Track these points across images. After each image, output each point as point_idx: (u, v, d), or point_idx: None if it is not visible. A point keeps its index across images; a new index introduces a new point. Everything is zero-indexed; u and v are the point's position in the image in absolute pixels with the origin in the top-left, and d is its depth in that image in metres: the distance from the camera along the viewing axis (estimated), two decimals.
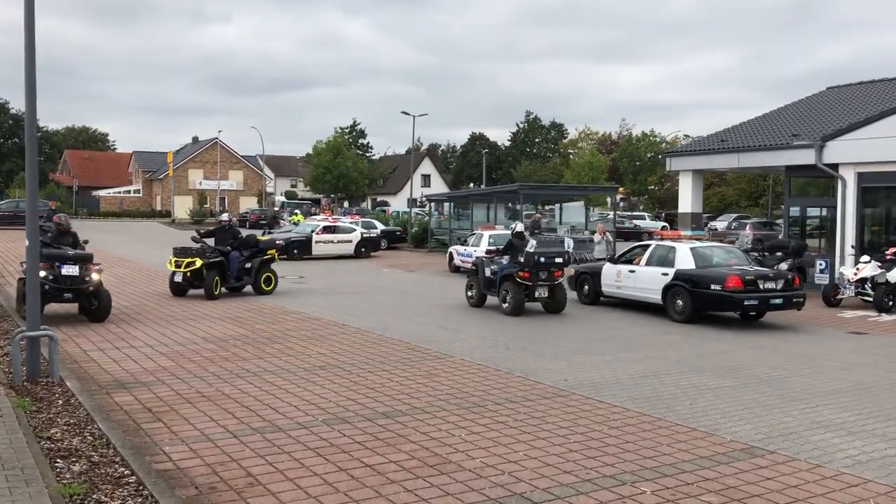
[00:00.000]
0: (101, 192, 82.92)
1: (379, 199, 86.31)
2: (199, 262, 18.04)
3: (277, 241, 31.40)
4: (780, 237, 24.43)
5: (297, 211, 52.69)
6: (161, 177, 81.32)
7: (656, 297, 16.96)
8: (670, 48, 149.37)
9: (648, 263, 17.59)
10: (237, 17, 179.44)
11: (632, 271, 17.96)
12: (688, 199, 25.18)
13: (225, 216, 20.29)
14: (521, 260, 16.50)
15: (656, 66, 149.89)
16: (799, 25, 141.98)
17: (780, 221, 51.70)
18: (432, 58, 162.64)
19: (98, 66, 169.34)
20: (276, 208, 61.80)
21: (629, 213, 56.92)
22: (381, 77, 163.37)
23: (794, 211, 23.25)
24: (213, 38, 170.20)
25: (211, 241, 19.33)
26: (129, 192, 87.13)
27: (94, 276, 14.27)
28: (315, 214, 50.53)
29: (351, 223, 37.48)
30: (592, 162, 64.49)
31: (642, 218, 56.71)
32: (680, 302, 16.28)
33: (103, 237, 38.79)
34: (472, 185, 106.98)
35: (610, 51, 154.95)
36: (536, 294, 16.61)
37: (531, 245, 16.99)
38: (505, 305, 16.70)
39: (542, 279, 16.46)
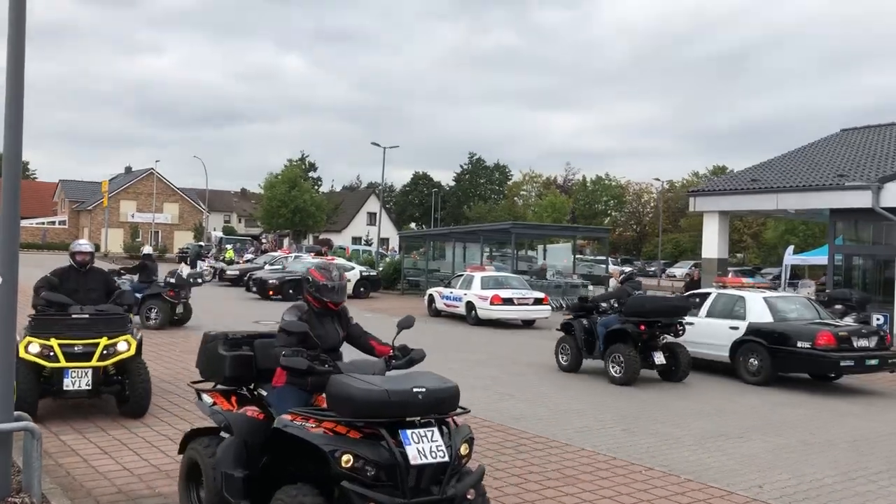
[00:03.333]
0: (23, 223, 76.76)
1: (321, 236, 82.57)
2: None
3: (271, 281, 28.47)
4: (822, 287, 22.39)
5: (227, 246, 49.57)
6: (90, 207, 76.10)
7: (723, 353, 14.63)
8: (601, 97, 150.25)
9: (710, 315, 15.22)
10: (167, 47, 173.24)
11: (689, 324, 15.46)
12: (714, 243, 22.83)
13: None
14: (172, 281, 19.15)
15: (587, 113, 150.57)
16: (726, 81, 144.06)
17: (760, 267, 50.73)
18: (368, 96, 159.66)
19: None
20: (199, 244, 57.57)
21: (593, 258, 55.02)
22: (316, 114, 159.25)
23: (839, 259, 21.15)
24: (143, 68, 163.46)
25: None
26: (52, 223, 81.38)
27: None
28: (266, 251, 46.80)
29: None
30: (555, 203, 62.82)
31: (606, 263, 54.85)
32: (755, 361, 13.95)
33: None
34: (413, 225, 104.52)
35: (544, 98, 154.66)
36: (178, 310, 19.22)
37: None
38: (150, 322, 18.40)
39: (182, 297, 19.08)
